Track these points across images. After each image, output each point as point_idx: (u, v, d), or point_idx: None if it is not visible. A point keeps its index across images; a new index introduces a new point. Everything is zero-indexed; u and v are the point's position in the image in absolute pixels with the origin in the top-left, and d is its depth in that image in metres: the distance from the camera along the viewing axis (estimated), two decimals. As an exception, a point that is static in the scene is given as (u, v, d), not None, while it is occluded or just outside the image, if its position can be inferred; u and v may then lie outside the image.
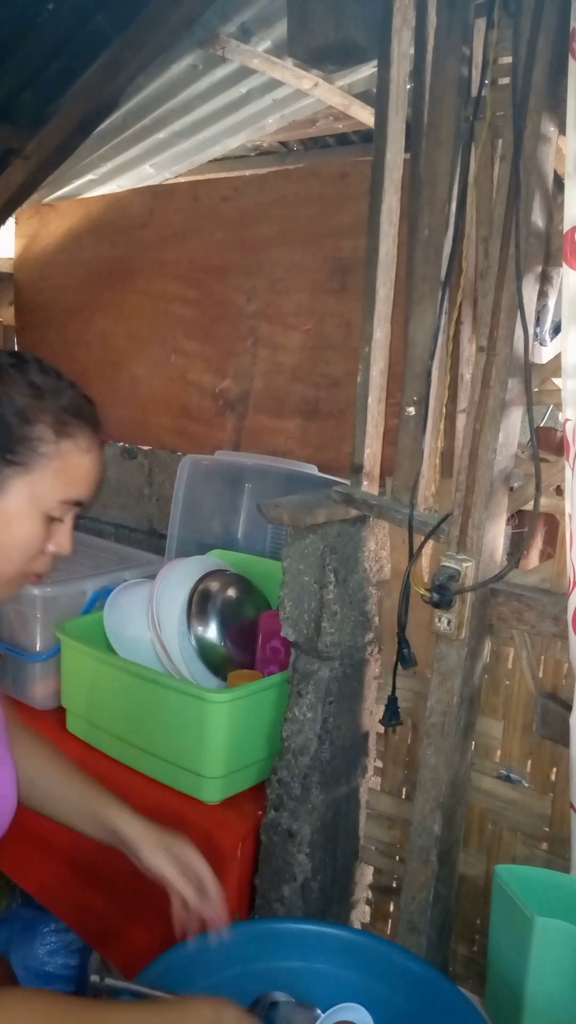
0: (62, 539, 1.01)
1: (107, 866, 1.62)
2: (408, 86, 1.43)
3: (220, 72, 2.34)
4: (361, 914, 1.66)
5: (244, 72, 2.32)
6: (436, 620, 1.28)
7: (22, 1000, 0.88)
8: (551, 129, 1.19)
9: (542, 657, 1.33)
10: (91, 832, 1.17)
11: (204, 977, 1.09)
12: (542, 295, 1.33)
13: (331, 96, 2.46)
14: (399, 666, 1.39)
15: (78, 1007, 0.90)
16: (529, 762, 1.36)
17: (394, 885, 1.59)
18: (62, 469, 0.96)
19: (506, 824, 1.39)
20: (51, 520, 0.98)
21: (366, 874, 1.64)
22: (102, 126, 2.43)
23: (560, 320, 1.18)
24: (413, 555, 1.33)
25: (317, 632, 1.46)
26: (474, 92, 1.33)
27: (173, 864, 1.11)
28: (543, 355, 1.40)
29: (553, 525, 1.46)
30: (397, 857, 1.58)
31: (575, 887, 1.15)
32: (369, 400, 1.48)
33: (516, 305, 1.19)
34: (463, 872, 1.44)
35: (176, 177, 3.01)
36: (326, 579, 1.44)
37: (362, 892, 1.65)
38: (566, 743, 1.18)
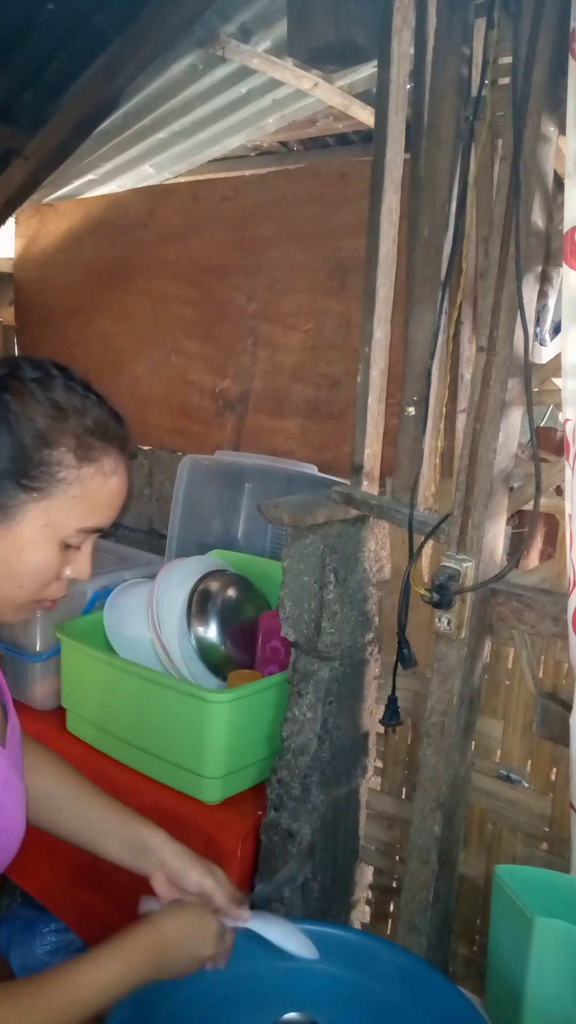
0: (80, 565, 0.95)
1: (107, 866, 1.62)
2: (408, 86, 1.43)
3: (220, 72, 2.34)
4: (361, 914, 1.66)
5: (244, 72, 2.32)
6: (436, 620, 1.28)
7: None
8: (551, 129, 1.19)
9: (542, 657, 1.33)
10: (114, 852, 1.12)
11: (204, 977, 1.08)
12: (542, 295, 1.33)
13: (331, 96, 2.46)
14: (399, 666, 1.39)
15: (35, 983, 0.90)
16: (529, 762, 1.36)
17: (394, 885, 1.59)
18: (83, 496, 0.90)
19: (506, 824, 1.39)
20: (67, 547, 0.92)
21: (366, 874, 1.65)
22: (102, 126, 2.43)
23: (560, 320, 1.18)
24: (413, 555, 1.33)
25: (317, 632, 1.46)
26: (474, 92, 1.33)
27: (211, 878, 1.09)
28: (543, 355, 1.40)
29: (553, 525, 1.46)
30: (397, 857, 1.58)
31: (575, 887, 1.15)
32: (369, 400, 1.48)
33: (516, 305, 1.19)
34: (463, 872, 1.44)
35: (176, 177, 3.01)
36: (326, 579, 1.44)
37: (362, 892, 1.65)
38: (566, 743, 1.18)
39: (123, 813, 1.14)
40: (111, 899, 1.60)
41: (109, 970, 0.94)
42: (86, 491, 0.90)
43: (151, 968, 0.97)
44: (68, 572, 0.95)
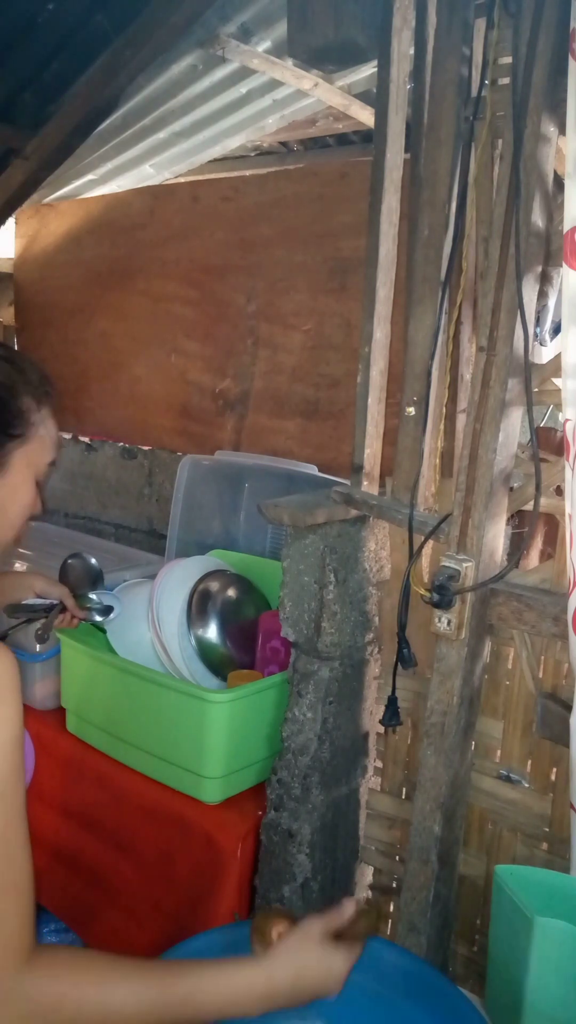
0: (40, 500, 1.07)
1: (106, 866, 1.63)
2: (408, 86, 1.43)
3: (220, 72, 2.34)
4: (361, 914, 1.66)
5: (244, 72, 2.32)
6: (436, 620, 1.28)
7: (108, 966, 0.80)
8: (551, 129, 1.19)
9: (542, 657, 1.33)
10: None
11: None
12: (542, 295, 1.33)
13: (331, 96, 2.46)
14: (399, 666, 1.39)
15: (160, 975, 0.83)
16: (529, 762, 1.36)
17: (394, 885, 1.59)
18: (45, 435, 1.02)
19: (506, 824, 1.39)
20: (37, 484, 1.04)
21: (366, 874, 1.64)
22: (102, 126, 2.43)
23: (560, 320, 1.18)
24: (413, 555, 1.33)
25: (317, 632, 1.46)
26: (474, 92, 1.33)
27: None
28: (543, 355, 1.40)
29: (553, 525, 1.46)
30: (397, 857, 1.58)
31: (575, 887, 1.15)
32: (369, 400, 1.48)
33: (516, 305, 1.19)
34: (463, 872, 1.44)
35: (176, 177, 3.01)
36: (326, 579, 1.44)
37: (362, 892, 1.65)
38: (566, 743, 1.18)
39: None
40: (110, 899, 1.60)
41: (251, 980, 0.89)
42: (48, 430, 1.03)
43: (279, 1002, 0.89)
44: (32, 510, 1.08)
